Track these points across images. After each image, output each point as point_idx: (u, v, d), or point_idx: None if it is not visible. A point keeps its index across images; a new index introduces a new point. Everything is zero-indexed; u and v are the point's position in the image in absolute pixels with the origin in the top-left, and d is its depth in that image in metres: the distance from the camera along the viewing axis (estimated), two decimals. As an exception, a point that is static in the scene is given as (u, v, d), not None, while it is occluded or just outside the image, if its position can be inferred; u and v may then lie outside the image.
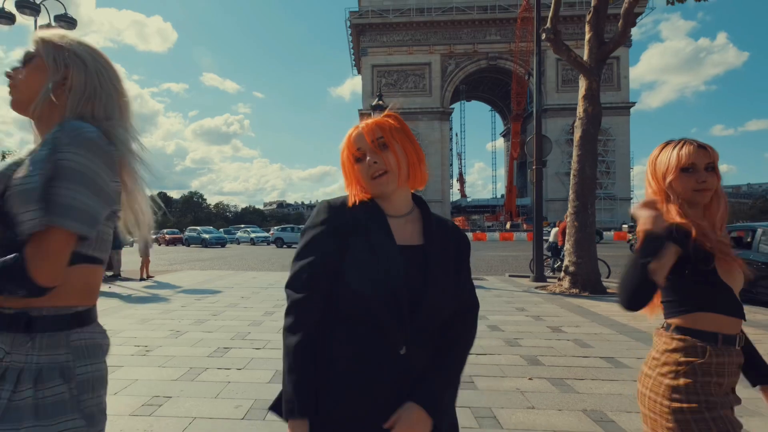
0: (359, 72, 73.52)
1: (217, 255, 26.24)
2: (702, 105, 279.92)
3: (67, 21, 16.15)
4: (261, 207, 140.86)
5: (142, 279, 11.80)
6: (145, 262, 12.01)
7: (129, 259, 15.07)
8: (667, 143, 1.50)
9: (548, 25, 10.29)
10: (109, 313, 7.22)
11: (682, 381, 1.35)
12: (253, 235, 42.15)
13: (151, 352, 5.06)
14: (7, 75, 1.19)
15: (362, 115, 70.56)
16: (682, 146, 1.44)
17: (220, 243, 35.79)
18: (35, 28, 14.83)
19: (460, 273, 1.24)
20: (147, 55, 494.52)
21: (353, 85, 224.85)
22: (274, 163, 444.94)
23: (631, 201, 61.72)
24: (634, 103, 65.28)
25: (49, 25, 15.56)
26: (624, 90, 63.64)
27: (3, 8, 13.79)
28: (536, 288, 10.11)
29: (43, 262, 0.98)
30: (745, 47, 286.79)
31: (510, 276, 12.63)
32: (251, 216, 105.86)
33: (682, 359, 1.36)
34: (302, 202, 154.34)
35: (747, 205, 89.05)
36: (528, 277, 11.64)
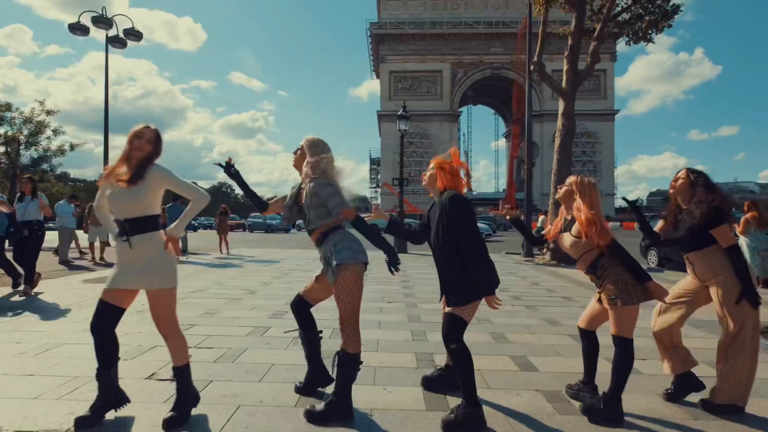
0: (377, 76, 74.73)
1: (285, 238, 27.99)
2: (681, 112, 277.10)
3: (134, 34, 17.59)
4: None
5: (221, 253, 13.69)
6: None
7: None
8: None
9: (536, 59, 11.98)
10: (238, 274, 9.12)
11: None
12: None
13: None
14: (294, 153, 2.73)
15: (381, 115, 71.01)
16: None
17: (284, 229, 37.06)
18: (106, 39, 15.77)
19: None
20: (177, 54, 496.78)
21: (370, 87, 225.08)
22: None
23: (615, 197, 62.79)
24: (618, 110, 65.95)
25: (117, 36, 16.72)
26: (609, 99, 64.40)
27: (79, 21, 14.65)
28: (525, 261, 11.94)
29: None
30: (718, 62, 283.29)
31: (506, 253, 14.47)
32: None
33: None
34: None
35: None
36: (520, 254, 13.45)
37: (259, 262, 11.53)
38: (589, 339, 2.78)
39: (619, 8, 11.27)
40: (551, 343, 4.18)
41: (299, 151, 2.74)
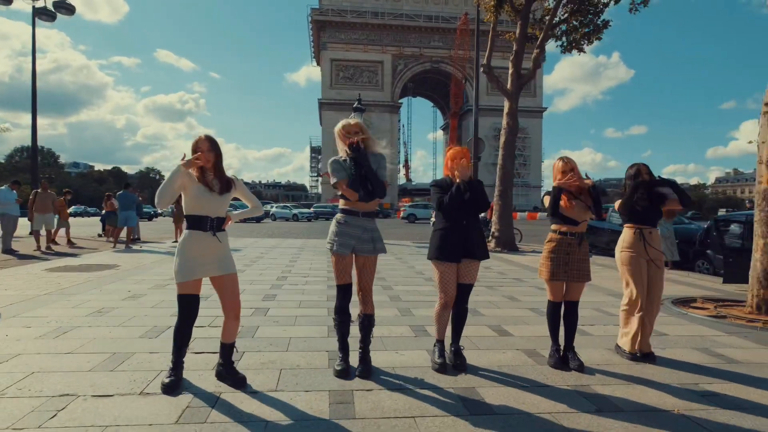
0: (318, 63, 73.85)
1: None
2: (599, 111, 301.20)
3: (65, 7, 16.77)
4: None
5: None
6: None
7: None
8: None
9: (485, 62, 12.92)
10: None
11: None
12: (296, 210, 38.22)
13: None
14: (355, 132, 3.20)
15: (322, 103, 70.13)
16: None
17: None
18: (33, 11, 15.43)
19: None
20: (95, 26, 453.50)
21: (309, 73, 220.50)
22: (229, 143, 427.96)
23: (541, 188, 67.30)
24: (546, 108, 70.60)
25: (45, 8, 16.11)
26: (539, 97, 68.72)
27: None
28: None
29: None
30: (632, 66, 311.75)
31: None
32: None
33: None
34: (259, 181, 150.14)
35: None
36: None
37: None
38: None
39: (558, 19, 12.42)
40: (516, 315, 4.96)
41: (363, 132, 3.01)
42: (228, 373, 2.89)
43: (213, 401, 2.61)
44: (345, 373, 3.01)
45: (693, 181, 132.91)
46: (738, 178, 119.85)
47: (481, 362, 3.36)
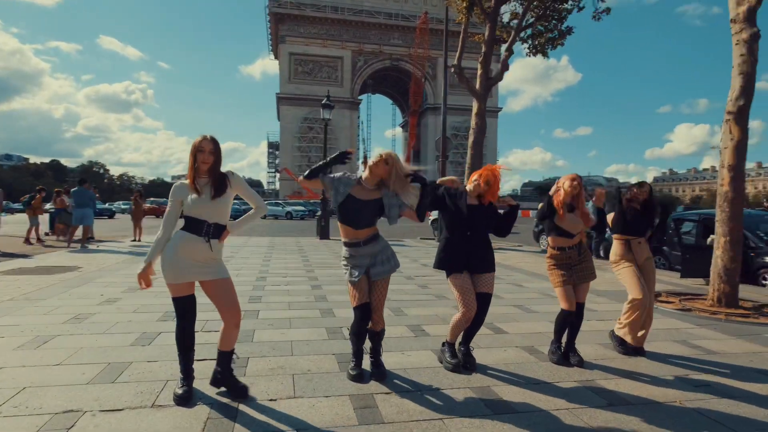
0: (276, 57, 72.32)
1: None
2: (548, 112, 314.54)
3: None
4: (169, 180, 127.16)
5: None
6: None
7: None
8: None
9: (455, 62, 13.12)
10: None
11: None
12: (289, 208, 37.10)
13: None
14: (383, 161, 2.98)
15: (280, 98, 68.59)
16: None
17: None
18: None
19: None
20: (29, 7, 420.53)
21: (264, 66, 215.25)
22: (180, 136, 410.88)
23: (498, 186, 69.25)
24: (502, 108, 72.63)
25: None
26: (495, 97, 70.37)
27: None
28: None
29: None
30: (580, 69, 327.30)
31: (421, 239, 15.66)
32: (160, 188, 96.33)
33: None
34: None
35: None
36: (434, 239, 14.68)
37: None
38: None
39: (525, 23, 12.80)
40: (504, 312, 5.10)
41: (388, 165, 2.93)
42: (228, 382, 2.75)
43: (233, 412, 2.52)
44: (360, 377, 2.99)
45: (633, 180, 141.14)
46: (673, 177, 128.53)
47: (487, 361, 3.43)
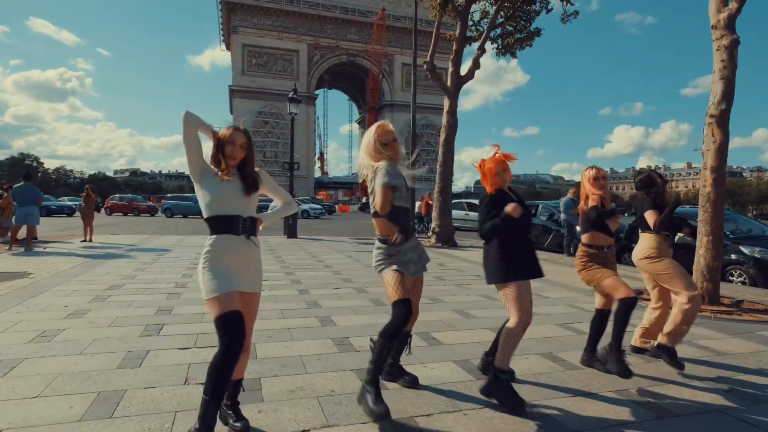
0: (228, 48, 69.69)
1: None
2: (499, 112, 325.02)
3: None
4: (111, 174, 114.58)
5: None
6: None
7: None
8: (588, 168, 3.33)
9: (428, 59, 12.99)
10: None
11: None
12: (305, 206, 30.82)
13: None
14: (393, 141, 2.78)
15: (233, 91, 66.59)
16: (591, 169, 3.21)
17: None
18: None
19: None
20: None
21: (213, 57, 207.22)
22: (122, 128, 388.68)
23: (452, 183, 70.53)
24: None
25: None
26: (452, 95, 71.61)
27: None
28: (412, 243, 13.04)
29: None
30: (528, 71, 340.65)
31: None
32: (101, 183, 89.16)
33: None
34: (159, 171, 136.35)
35: (523, 189, 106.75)
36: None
37: (146, 251, 10.29)
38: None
39: (496, 23, 12.86)
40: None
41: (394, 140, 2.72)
42: (234, 416, 2.30)
43: (267, 449, 2.19)
44: (387, 413, 2.38)
45: (577, 178, 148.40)
46: (614, 176, 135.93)
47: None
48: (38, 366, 3.14)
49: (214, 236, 2.21)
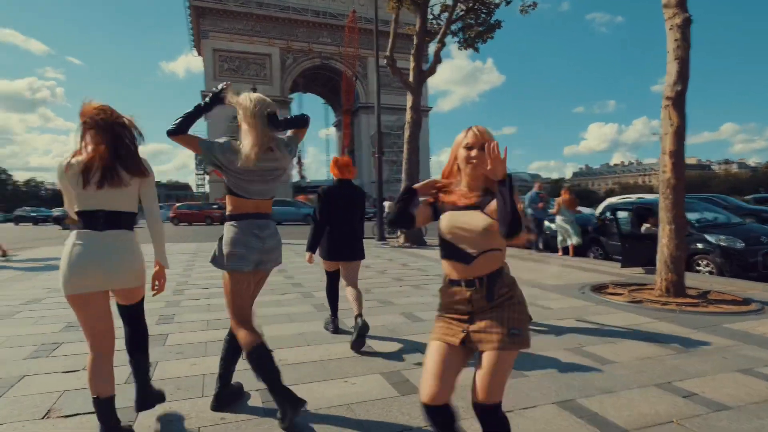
0: (199, 53, 68.36)
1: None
2: (476, 112, 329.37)
3: None
4: None
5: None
6: None
7: None
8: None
9: (388, 53, 12.61)
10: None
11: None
12: (308, 210, 28.68)
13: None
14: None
15: (204, 95, 66.44)
16: (468, 131, 1.72)
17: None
18: None
19: None
20: None
21: (188, 63, 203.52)
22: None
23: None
24: (431, 107, 73.91)
25: None
26: (425, 97, 71.33)
27: None
28: (382, 245, 12.59)
29: None
30: (503, 72, 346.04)
31: (357, 238, 15.00)
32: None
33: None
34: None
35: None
36: (374, 238, 14.09)
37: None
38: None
39: (456, 16, 12.57)
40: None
41: None
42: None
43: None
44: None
45: (554, 176, 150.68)
46: (589, 172, 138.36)
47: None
48: None
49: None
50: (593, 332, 3.95)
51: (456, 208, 1.69)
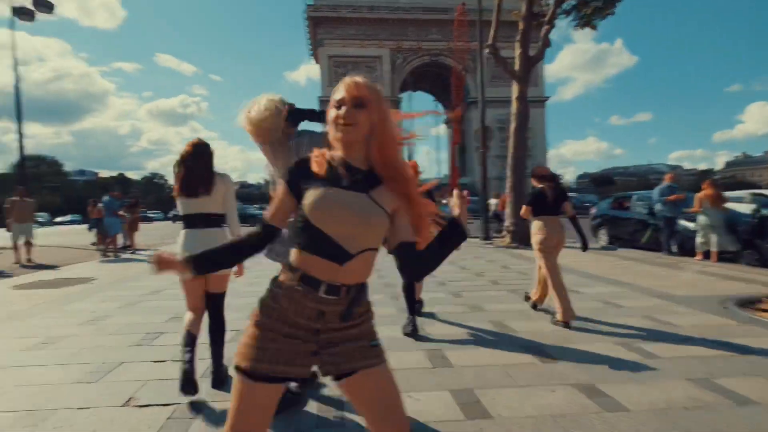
0: (317, 61, 72.97)
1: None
2: (603, 98, 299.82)
3: (43, 4, 16.22)
4: None
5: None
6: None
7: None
8: None
9: (490, 41, 11.91)
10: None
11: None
12: None
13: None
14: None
15: (322, 101, 70.10)
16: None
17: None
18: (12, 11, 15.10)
19: None
20: (93, 32, 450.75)
21: (308, 71, 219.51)
22: (233, 145, 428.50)
23: (548, 178, 65.96)
24: (549, 97, 68.98)
25: (23, 7, 15.61)
26: (541, 87, 66.94)
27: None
28: (485, 244, 11.98)
29: None
30: (635, 52, 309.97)
31: (462, 236, 14.51)
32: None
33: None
34: (265, 181, 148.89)
35: (634, 181, 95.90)
36: (479, 237, 13.51)
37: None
38: None
39: (567, -7, 11.41)
40: (555, 330, 4.03)
41: None
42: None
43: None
44: None
45: (702, 167, 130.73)
46: (748, 161, 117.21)
47: (525, 409, 2.43)
48: (22, 375, 3.03)
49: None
50: (732, 361, 3.14)
51: (329, 183, 1.23)
